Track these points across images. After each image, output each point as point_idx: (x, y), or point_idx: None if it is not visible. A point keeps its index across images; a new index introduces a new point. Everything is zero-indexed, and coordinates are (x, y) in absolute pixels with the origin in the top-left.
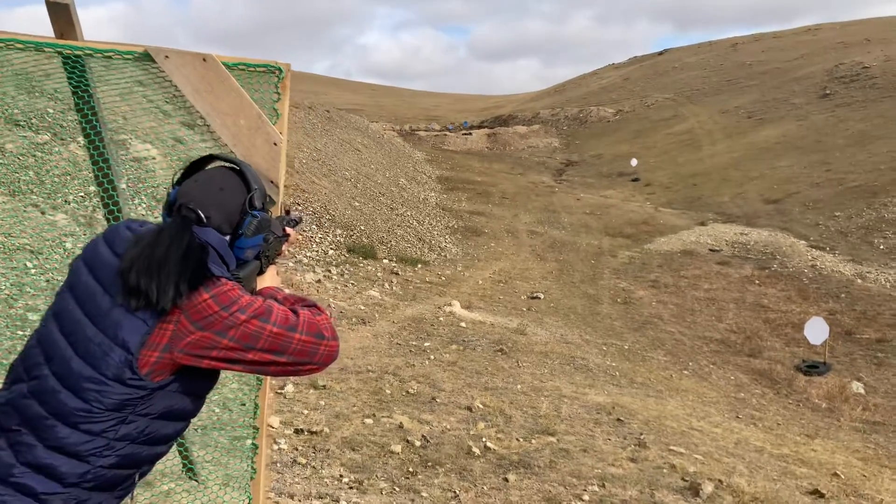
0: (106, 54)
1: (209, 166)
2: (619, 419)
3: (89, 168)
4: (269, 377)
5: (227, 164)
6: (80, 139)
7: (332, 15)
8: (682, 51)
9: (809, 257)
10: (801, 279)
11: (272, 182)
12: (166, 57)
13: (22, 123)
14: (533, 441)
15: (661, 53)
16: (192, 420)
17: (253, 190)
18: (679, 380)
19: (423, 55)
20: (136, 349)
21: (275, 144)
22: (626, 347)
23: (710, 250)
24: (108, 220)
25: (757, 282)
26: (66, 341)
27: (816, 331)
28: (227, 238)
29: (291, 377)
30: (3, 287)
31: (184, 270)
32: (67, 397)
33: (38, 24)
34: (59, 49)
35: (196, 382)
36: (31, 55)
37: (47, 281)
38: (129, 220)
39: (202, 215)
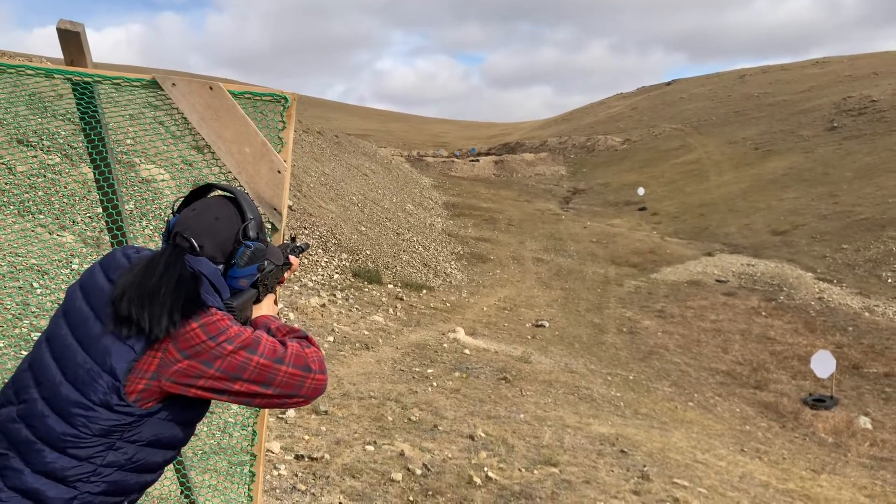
0: (114, 81)
1: (209, 195)
2: (622, 450)
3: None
4: None
5: (225, 194)
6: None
7: (350, 40)
8: (690, 81)
9: (816, 289)
10: (808, 311)
11: (275, 209)
12: (173, 84)
13: (33, 144)
14: (535, 471)
15: (669, 84)
16: (182, 448)
17: (248, 220)
18: (684, 411)
19: (437, 82)
20: (124, 375)
21: (279, 172)
22: (631, 377)
23: (717, 281)
24: (112, 244)
25: (763, 313)
26: (57, 366)
27: (823, 364)
28: (221, 267)
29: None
30: (10, 307)
31: (176, 300)
32: (55, 422)
33: (55, 44)
34: (68, 76)
35: (185, 411)
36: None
37: (52, 301)
38: (125, 247)
39: (195, 245)
